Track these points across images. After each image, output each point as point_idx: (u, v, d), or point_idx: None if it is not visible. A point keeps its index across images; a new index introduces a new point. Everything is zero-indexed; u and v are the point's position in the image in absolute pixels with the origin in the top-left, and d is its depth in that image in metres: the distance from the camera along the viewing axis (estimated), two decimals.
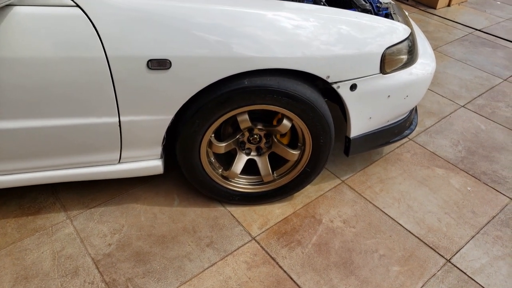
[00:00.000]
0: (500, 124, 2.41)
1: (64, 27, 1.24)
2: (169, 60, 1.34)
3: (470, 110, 2.53)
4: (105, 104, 1.39)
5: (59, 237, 1.63)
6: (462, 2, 4.25)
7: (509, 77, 2.90)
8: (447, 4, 4.12)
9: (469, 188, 1.97)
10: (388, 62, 1.60)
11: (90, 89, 1.34)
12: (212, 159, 1.69)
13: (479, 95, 2.68)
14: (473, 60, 3.09)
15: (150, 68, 1.34)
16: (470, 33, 3.54)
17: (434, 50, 3.22)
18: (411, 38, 1.69)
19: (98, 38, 1.27)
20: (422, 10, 3.97)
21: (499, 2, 4.31)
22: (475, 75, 2.90)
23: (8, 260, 1.53)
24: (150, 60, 1.32)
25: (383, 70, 1.59)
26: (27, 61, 1.25)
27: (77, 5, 1.24)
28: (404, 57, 1.67)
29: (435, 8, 4.03)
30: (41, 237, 1.62)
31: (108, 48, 1.28)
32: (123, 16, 1.27)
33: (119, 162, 1.60)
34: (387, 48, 1.57)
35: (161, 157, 1.63)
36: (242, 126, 1.59)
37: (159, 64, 1.34)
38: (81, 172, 1.59)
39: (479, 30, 3.60)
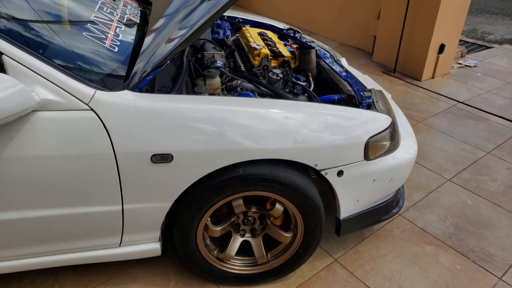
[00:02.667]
0: (486, 199, 2.52)
1: (79, 128, 1.38)
2: (171, 155, 1.46)
3: (456, 184, 2.65)
4: (111, 194, 1.49)
5: None
6: (445, 74, 4.52)
7: (492, 150, 3.06)
8: (431, 76, 4.39)
9: (458, 267, 2.03)
10: (371, 149, 1.73)
11: (98, 181, 1.45)
12: (208, 242, 1.77)
13: (464, 169, 2.81)
14: (457, 133, 3.27)
15: (154, 162, 1.46)
16: (453, 105, 3.75)
17: (420, 122, 3.41)
18: (392, 127, 1.84)
19: (108, 137, 1.40)
20: (408, 82, 4.22)
21: (479, 74, 4.60)
22: (460, 148, 3.06)
23: None
24: (153, 155, 1.45)
25: (367, 157, 1.72)
26: (45, 159, 1.37)
27: (91, 109, 1.39)
28: (387, 144, 1.80)
29: (420, 80, 4.28)
30: None
31: (116, 145, 1.41)
32: (130, 118, 1.42)
33: (119, 245, 1.67)
34: (370, 137, 1.71)
35: (159, 240, 1.71)
36: (236, 210, 1.69)
37: (162, 158, 1.46)
38: (83, 256, 1.66)
39: (462, 103, 3.82)
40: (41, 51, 1.39)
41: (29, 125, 1.35)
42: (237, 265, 1.82)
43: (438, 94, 3.99)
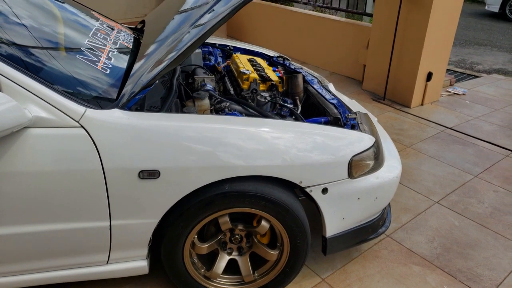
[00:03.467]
0: (473, 220, 2.55)
1: (69, 144, 1.43)
2: (158, 171, 1.51)
3: (444, 206, 2.69)
4: (99, 210, 1.52)
5: None
6: (434, 101, 4.63)
7: (480, 173, 3.11)
8: (420, 103, 4.49)
9: (445, 287, 2.04)
10: (355, 167, 1.78)
11: (87, 196, 1.49)
12: (195, 259, 1.79)
13: (452, 191, 2.85)
14: (445, 157, 3.33)
15: (141, 178, 1.50)
16: (442, 131, 3.83)
17: (409, 147, 3.47)
18: (375, 146, 1.89)
19: (97, 153, 1.45)
20: (397, 109, 4.32)
21: (468, 102, 4.71)
22: (447, 172, 3.11)
23: None
24: (141, 171, 1.49)
25: (351, 175, 1.77)
26: (35, 174, 1.41)
27: (82, 126, 1.44)
28: (370, 163, 1.86)
29: (409, 107, 4.38)
30: None
31: (105, 161, 1.46)
32: (119, 135, 1.47)
33: (107, 263, 1.69)
34: (353, 156, 1.76)
35: (147, 258, 1.72)
36: (223, 227, 1.71)
37: (149, 174, 1.50)
38: (71, 274, 1.67)
39: (450, 128, 3.90)
40: (34, 71, 1.45)
41: (20, 141, 1.40)
42: (224, 284, 1.83)
43: (427, 120, 4.08)
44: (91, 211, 1.52)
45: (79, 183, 1.47)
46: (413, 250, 2.27)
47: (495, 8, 10.92)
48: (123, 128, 1.48)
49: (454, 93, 4.96)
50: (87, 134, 1.45)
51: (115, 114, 1.50)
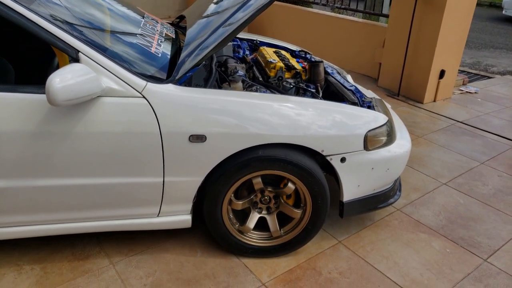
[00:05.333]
0: (477, 199, 2.80)
1: (133, 111, 1.75)
2: (205, 136, 1.82)
3: (451, 187, 2.94)
4: (155, 167, 1.84)
5: (104, 278, 1.97)
6: (446, 98, 4.87)
7: (486, 161, 3.35)
8: (433, 99, 4.73)
9: (448, 250, 2.30)
10: (370, 141, 2.06)
11: (146, 155, 1.81)
12: (231, 215, 2.09)
13: (459, 175, 3.10)
14: (454, 146, 3.57)
15: (191, 141, 1.82)
16: (452, 124, 4.07)
17: (420, 137, 3.73)
18: (388, 124, 2.17)
19: (156, 119, 1.77)
20: (411, 105, 4.57)
21: (479, 99, 4.92)
22: (456, 159, 3.35)
23: None
24: (191, 135, 1.81)
25: (366, 147, 2.06)
26: (105, 135, 1.74)
27: (143, 97, 1.76)
28: (383, 139, 2.14)
29: (422, 103, 4.63)
30: (89, 277, 1.97)
31: (162, 126, 1.78)
32: (173, 104, 1.79)
33: (157, 215, 2.00)
34: (368, 131, 2.05)
35: (190, 213, 2.03)
36: (256, 187, 2.02)
37: (197, 138, 1.82)
38: (127, 223, 1.99)
39: (461, 122, 4.14)
40: (105, 51, 1.78)
41: (95, 107, 1.72)
42: (254, 238, 2.13)
43: (439, 114, 4.32)
44: (149, 168, 1.84)
45: (140, 144, 1.79)
46: (420, 221, 2.54)
47: None
48: (177, 99, 1.80)
49: (467, 92, 5.18)
50: (148, 103, 1.77)
51: (170, 88, 1.82)
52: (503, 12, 11.37)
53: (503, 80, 5.88)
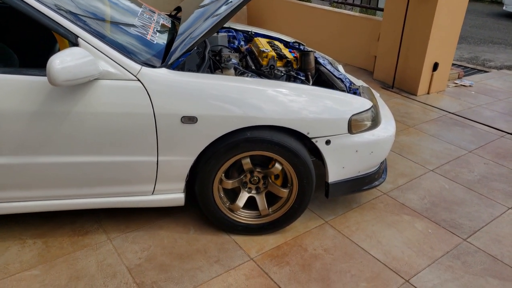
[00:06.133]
0: (461, 185, 2.91)
1: (129, 93, 1.87)
2: (196, 117, 1.93)
3: (437, 173, 3.04)
4: (149, 147, 1.96)
5: (102, 252, 2.10)
6: (440, 91, 4.96)
7: (474, 149, 3.45)
8: (426, 92, 4.83)
9: (430, 231, 2.41)
10: (354, 125, 2.17)
11: (141, 135, 1.93)
12: (222, 194, 2.21)
13: (446, 162, 3.21)
14: (444, 136, 3.67)
15: (183, 122, 1.93)
16: (444, 115, 4.17)
17: (411, 127, 3.83)
18: (373, 109, 2.28)
19: (150, 100, 1.89)
20: (404, 96, 4.67)
21: (473, 92, 5.02)
22: (444, 147, 3.46)
23: (64, 265, 2.00)
24: (183, 117, 1.92)
25: (350, 131, 2.17)
26: (102, 115, 1.86)
27: (138, 80, 1.88)
28: (368, 123, 2.24)
29: (416, 95, 4.72)
30: (88, 251, 2.10)
31: (155, 108, 1.90)
32: (166, 87, 1.90)
33: (152, 193, 2.12)
34: (353, 115, 2.16)
35: (183, 191, 2.15)
36: (245, 167, 2.13)
37: (189, 120, 1.93)
38: (123, 200, 2.11)
39: (452, 113, 4.24)
40: (103, 37, 1.90)
41: (92, 89, 1.84)
42: (244, 216, 2.24)
43: (431, 106, 4.42)
44: (143, 147, 1.96)
45: (136, 124, 1.91)
46: (405, 204, 2.65)
47: None
48: (170, 83, 1.91)
49: (461, 85, 5.27)
50: (142, 86, 1.89)
51: (163, 72, 1.93)
52: (504, 8, 11.41)
53: (499, 74, 5.96)
